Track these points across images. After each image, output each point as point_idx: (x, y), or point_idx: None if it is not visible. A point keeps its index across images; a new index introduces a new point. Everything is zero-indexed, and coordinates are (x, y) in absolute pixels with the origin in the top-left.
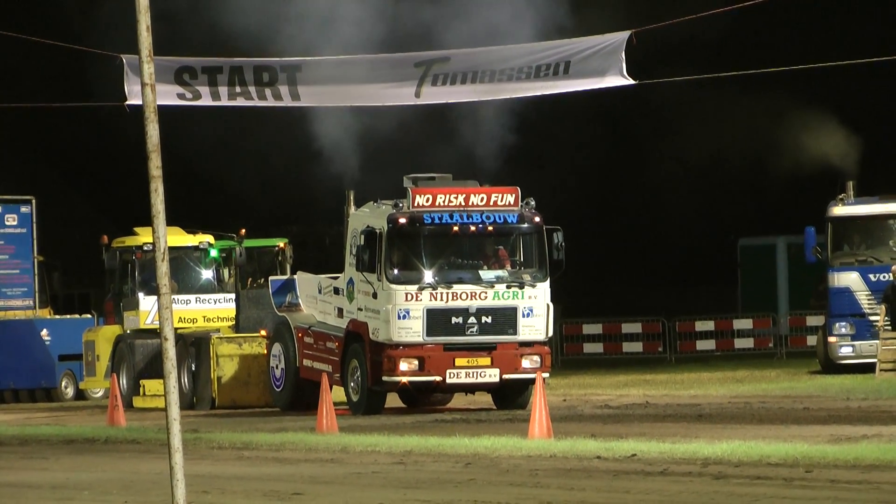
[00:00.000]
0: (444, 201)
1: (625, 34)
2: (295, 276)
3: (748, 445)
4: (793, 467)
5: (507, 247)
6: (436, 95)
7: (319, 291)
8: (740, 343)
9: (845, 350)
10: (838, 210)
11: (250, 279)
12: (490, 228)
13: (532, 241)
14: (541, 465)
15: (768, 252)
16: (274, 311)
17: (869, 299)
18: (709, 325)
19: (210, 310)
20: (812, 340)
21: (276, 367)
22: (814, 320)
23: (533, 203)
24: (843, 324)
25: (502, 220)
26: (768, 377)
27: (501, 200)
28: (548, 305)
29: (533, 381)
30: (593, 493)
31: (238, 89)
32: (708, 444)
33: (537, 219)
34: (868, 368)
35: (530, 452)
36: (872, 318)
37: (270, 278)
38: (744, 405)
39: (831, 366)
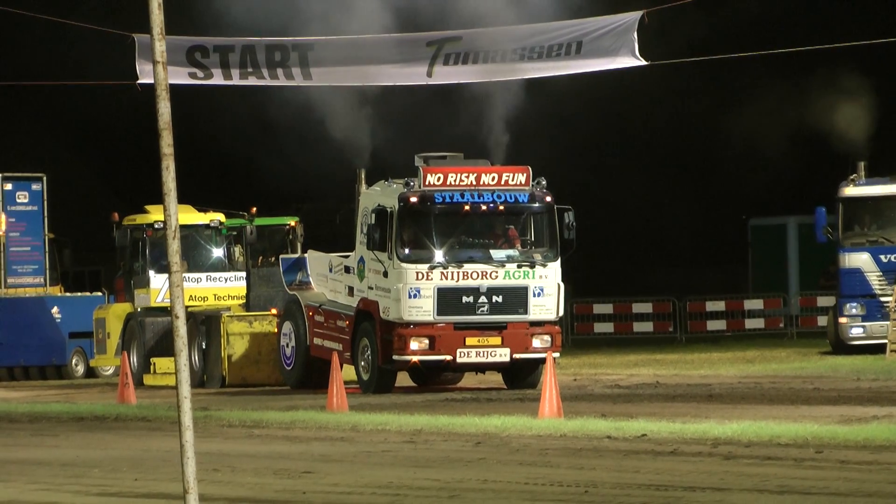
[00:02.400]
0: (455, 180)
1: (637, 14)
2: (306, 255)
3: (758, 426)
4: (803, 448)
5: (518, 226)
6: (447, 75)
7: (330, 270)
8: (751, 323)
9: (856, 331)
10: (849, 190)
11: (261, 257)
12: (501, 207)
13: (543, 221)
14: (551, 445)
15: (779, 232)
16: (285, 289)
17: (880, 280)
18: (719, 306)
19: (221, 288)
20: (823, 321)
21: (287, 346)
22: (824, 301)
23: (544, 182)
24: (854, 304)
25: (513, 199)
26: (779, 357)
27: (513, 179)
28: (558, 285)
29: (543, 360)
30: (603, 473)
31: (250, 68)
32: (718, 425)
33: (548, 198)
34: (879, 349)
35: (540, 432)
36: (883, 298)
37: (281, 257)
38: (754, 385)
39: (842, 346)
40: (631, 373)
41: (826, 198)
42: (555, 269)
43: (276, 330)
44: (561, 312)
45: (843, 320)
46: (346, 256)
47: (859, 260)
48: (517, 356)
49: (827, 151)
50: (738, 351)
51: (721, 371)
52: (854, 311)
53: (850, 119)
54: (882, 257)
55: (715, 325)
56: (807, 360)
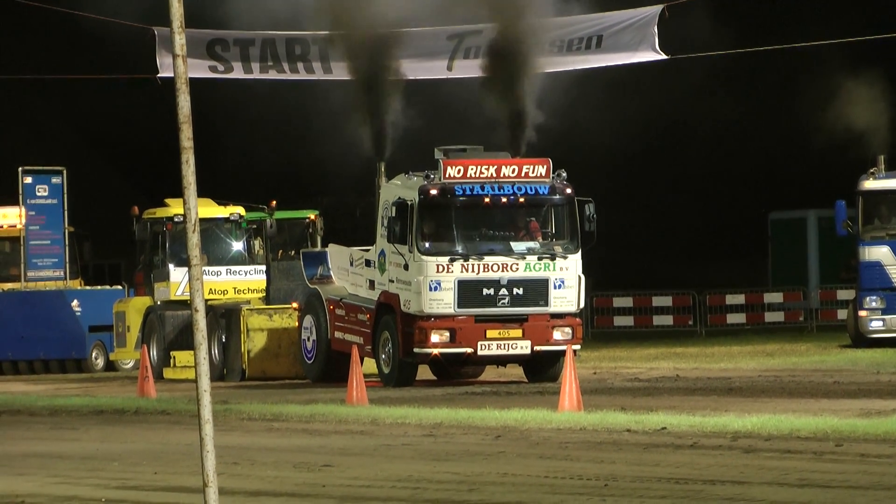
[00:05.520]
0: (475, 173)
1: (657, 8)
2: (327, 249)
3: (778, 419)
4: (823, 441)
5: (539, 218)
6: (468, 69)
7: (351, 264)
8: (771, 317)
9: (875, 324)
10: (869, 184)
11: (281, 251)
12: (521, 200)
13: (563, 213)
14: (571, 438)
15: (799, 226)
16: (305, 283)
17: None
18: (739, 299)
19: (240, 281)
20: (842, 314)
21: (308, 340)
22: (844, 294)
23: (564, 174)
24: (874, 298)
25: (534, 191)
26: (798, 351)
27: (533, 172)
28: (579, 277)
29: (564, 352)
30: (623, 466)
31: (270, 62)
32: (738, 418)
33: (569, 190)
34: None
35: (560, 425)
36: None
37: (302, 251)
38: (774, 379)
39: (861, 339)
40: (651, 366)
41: (846, 191)
42: (575, 261)
43: (296, 323)
44: (582, 304)
45: (862, 314)
46: (367, 250)
47: (879, 253)
48: (538, 348)
49: (847, 144)
50: (758, 344)
51: (741, 364)
52: (874, 304)
53: (871, 112)
54: None
55: (735, 319)
56: (826, 354)
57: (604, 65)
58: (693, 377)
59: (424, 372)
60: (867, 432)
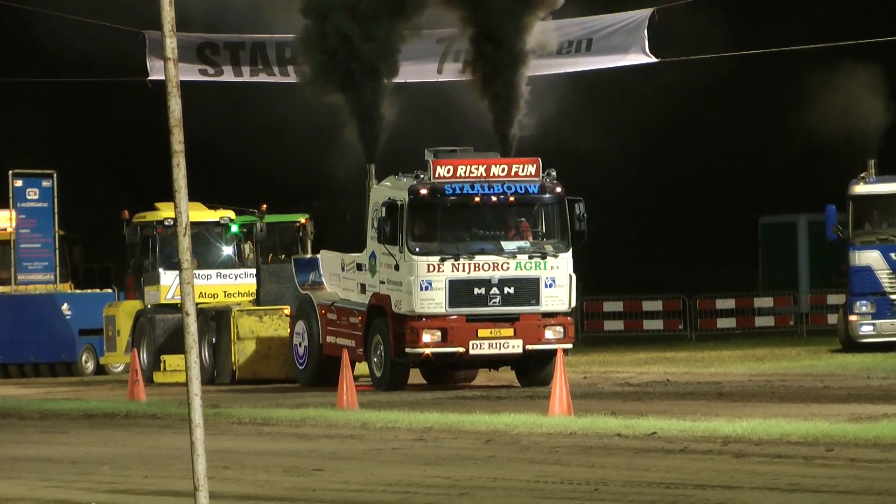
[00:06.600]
0: (465, 172)
1: (647, 11)
2: (318, 255)
3: (768, 424)
4: (813, 446)
5: (529, 217)
6: (458, 72)
7: (342, 269)
8: (761, 321)
9: (866, 328)
10: (860, 188)
11: (271, 254)
12: (511, 199)
13: (554, 212)
14: (561, 443)
15: (789, 230)
16: (296, 288)
17: (890, 278)
18: (729, 303)
19: (231, 285)
20: (833, 319)
21: (300, 345)
22: (835, 299)
23: (554, 174)
24: (864, 302)
25: (523, 190)
26: (789, 355)
27: (522, 171)
28: (570, 276)
29: (556, 351)
30: (613, 471)
31: (260, 65)
32: (728, 423)
33: (559, 189)
34: (889, 347)
35: (550, 430)
36: (893, 296)
37: (294, 257)
38: (764, 383)
39: (852, 344)
40: (641, 370)
41: (836, 195)
42: (566, 259)
43: (286, 325)
44: (573, 303)
45: (853, 318)
46: (359, 255)
47: (869, 258)
48: (530, 347)
49: (838, 149)
50: (748, 349)
51: (731, 369)
52: (864, 308)
53: (862, 116)
54: (892, 255)
55: (725, 323)
56: (817, 358)
57: (594, 67)
58: (683, 382)
59: (415, 376)
60: (857, 437)
